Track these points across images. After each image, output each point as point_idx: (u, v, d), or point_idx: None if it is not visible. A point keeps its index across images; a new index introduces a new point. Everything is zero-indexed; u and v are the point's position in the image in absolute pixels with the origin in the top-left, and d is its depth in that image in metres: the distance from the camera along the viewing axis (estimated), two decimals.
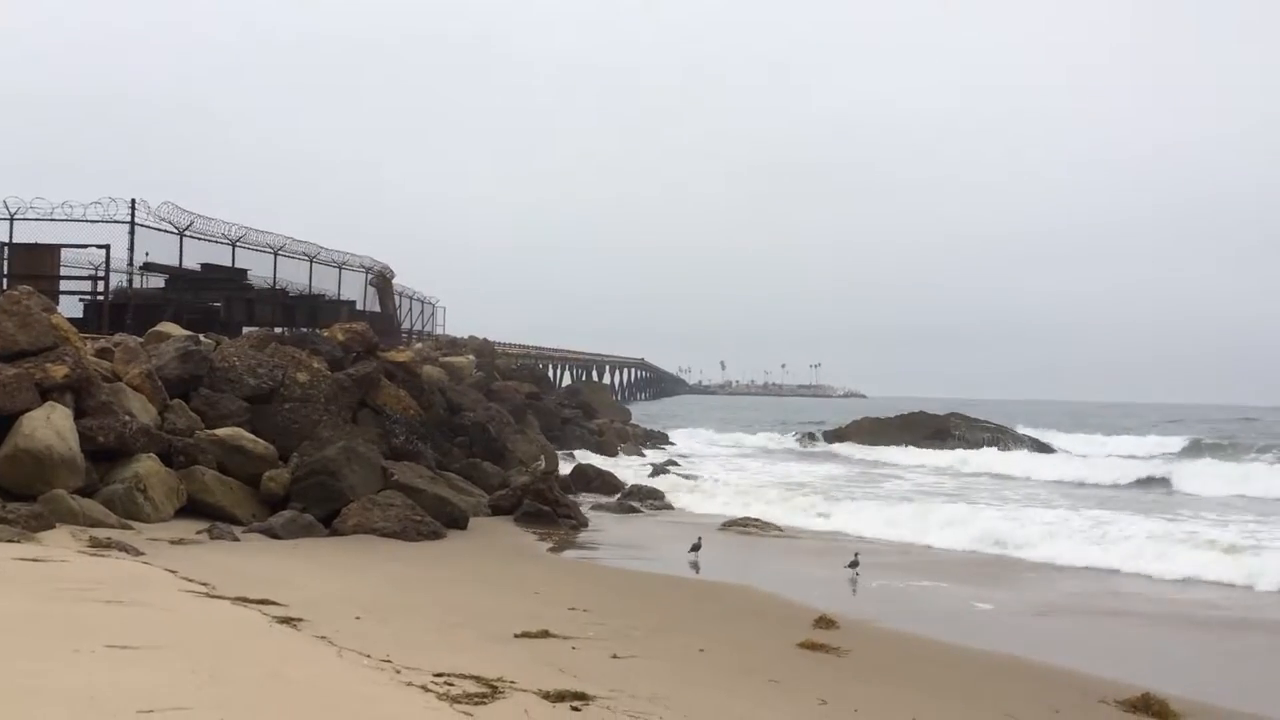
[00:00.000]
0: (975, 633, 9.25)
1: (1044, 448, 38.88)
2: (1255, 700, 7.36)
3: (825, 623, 8.86)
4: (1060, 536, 14.69)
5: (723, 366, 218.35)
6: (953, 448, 36.17)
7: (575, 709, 5.36)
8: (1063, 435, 45.84)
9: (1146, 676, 7.49)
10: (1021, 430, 41.70)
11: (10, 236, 22.07)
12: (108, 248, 21.69)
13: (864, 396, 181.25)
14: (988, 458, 32.58)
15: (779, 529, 15.86)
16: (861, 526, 16.10)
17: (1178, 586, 12.01)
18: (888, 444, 37.00)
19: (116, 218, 22.13)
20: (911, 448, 35.06)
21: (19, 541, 9.61)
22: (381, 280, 31.80)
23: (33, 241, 21.80)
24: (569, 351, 79.30)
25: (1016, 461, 32.07)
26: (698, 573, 12.09)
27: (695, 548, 12.88)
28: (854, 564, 12.02)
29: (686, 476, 23.55)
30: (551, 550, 13.43)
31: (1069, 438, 44.94)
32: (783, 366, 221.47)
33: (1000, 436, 38.68)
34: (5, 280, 20.62)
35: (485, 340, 42.76)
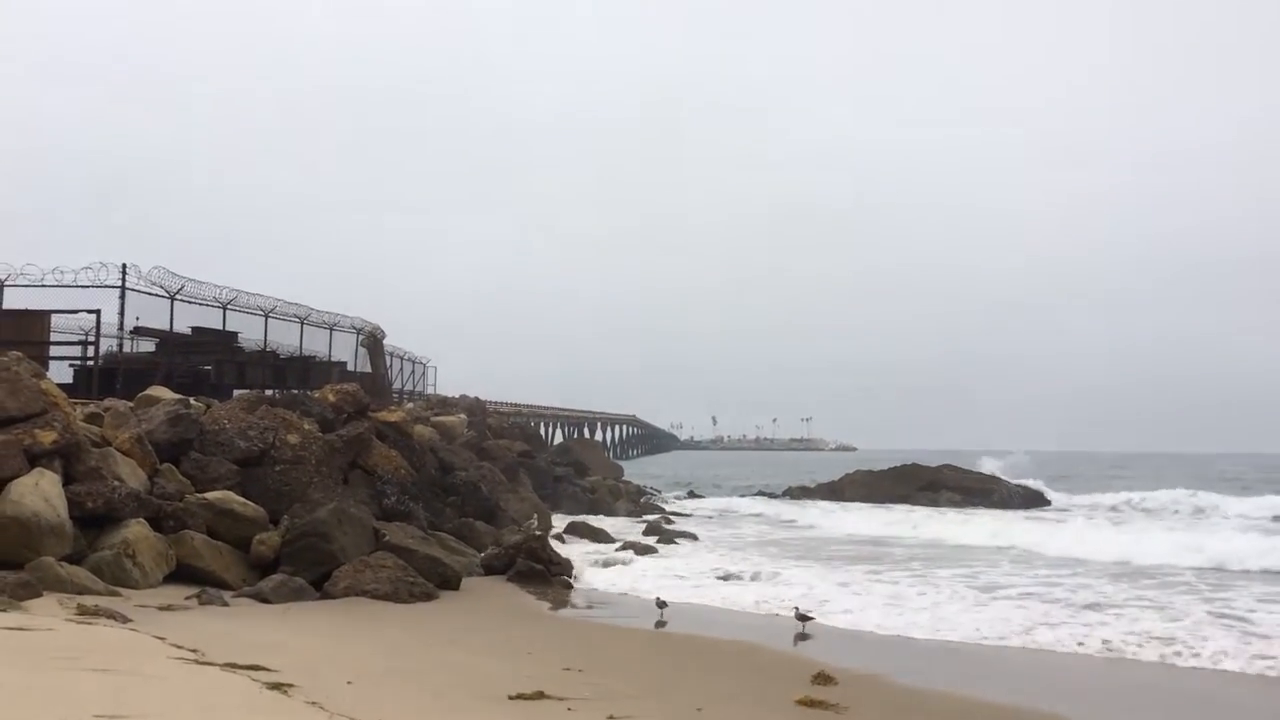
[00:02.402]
0: (980, 687, 9.15)
1: (1039, 499, 38.94)
2: None
3: (823, 679, 8.76)
4: None
5: (714, 422, 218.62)
6: (947, 502, 36.13)
7: None
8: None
9: None
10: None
11: (0, 303, 22.08)
12: (98, 313, 21.70)
13: (855, 449, 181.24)
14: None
15: (775, 575, 15.73)
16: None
17: None
18: (884, 500, 36.84)
19: (107, 283, 22.16)
20: (933, 514, 32.49)
21: (6, 610, 9.48)
22: (372, 341, 31.79)
23: (22, 308, 21.81)
24: (560, 409, 79.40)
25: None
26: (662, 627, 11.97)
27: (661, 605, 12.69)
28: (802, 617, 11.90)
29: (680, 534, 23.42)
30: (545, 609, 13.29)
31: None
32: (774, 421, 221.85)
33: (993, 489, 38.69)
34: None
35: (476, 399, 42.66)
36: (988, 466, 44.95)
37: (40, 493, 11.98)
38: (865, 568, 17.79)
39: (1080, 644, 11.18)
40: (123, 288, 22.27)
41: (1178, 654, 10.69)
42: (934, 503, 36.30)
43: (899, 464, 42.01)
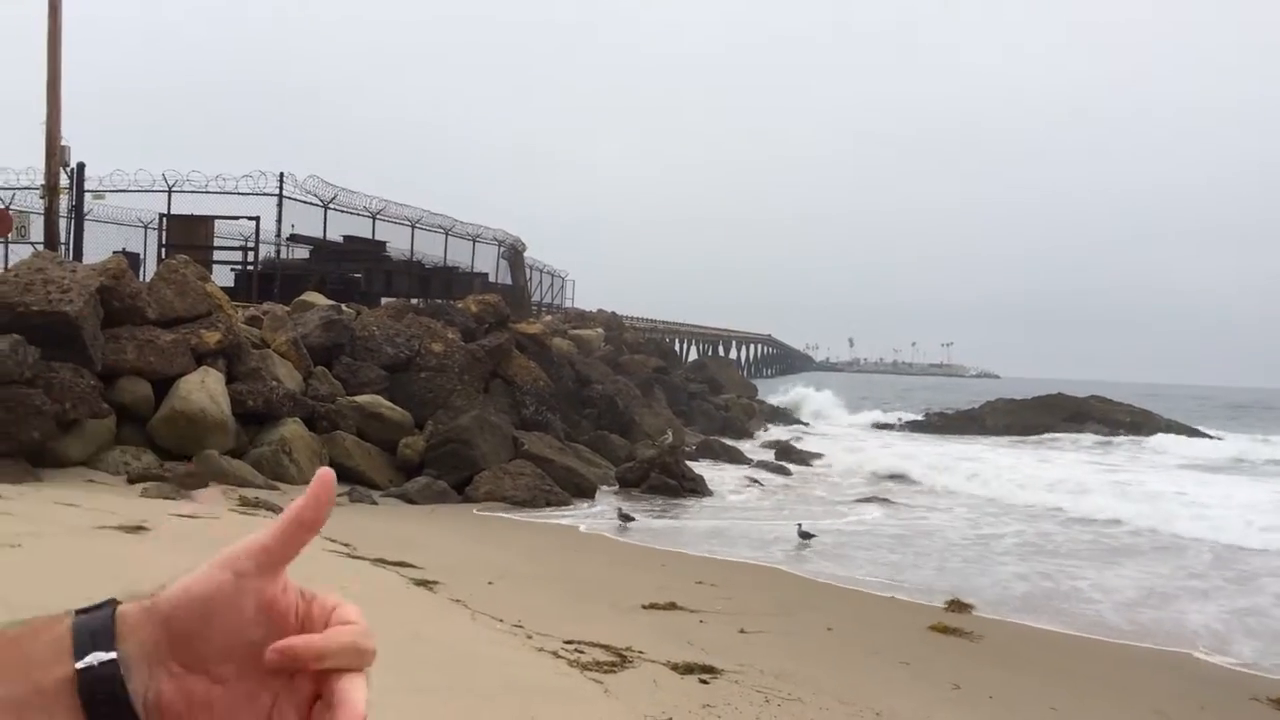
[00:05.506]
0: (1118, 621, 8.91)
1: (1196, 436, 37.21)
2: None
3: (957, 606, 8.67)
4: None
5: (851, 343, 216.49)
6: (1095, 431, 34.99)
7: (703, 681, 5.37)
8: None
9: None
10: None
11: (169, 208, 23.20)
12: (257, 219, 22.61)
13: (997, 377, 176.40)
14: None
15: (911, 506, 15.58)
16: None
17: None
18: (1025, 431, 35.55)
19: (266, 190, 23.04)
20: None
21: (175, 498, 10.16)
22: (513, 253, 32.32)
23: (189, 213, 22.89)
24: (696, 326, 79.36)
25: None
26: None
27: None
28: (804, 534, 11.69)
29: (812, 455, 23.33)
30: (679, 524, 13.46)
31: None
32: (913, 344, 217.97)
33: (1144, 422, 37.19)
34: (164, 249, 21.68)
35: (613, 314, 43.06)
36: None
37: (206, 390, 12.69)
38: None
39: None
40: (280, 195, 23.11)
41: None
42: (1079, 434, 35.14)
43: (1043, 394, 40.67)
